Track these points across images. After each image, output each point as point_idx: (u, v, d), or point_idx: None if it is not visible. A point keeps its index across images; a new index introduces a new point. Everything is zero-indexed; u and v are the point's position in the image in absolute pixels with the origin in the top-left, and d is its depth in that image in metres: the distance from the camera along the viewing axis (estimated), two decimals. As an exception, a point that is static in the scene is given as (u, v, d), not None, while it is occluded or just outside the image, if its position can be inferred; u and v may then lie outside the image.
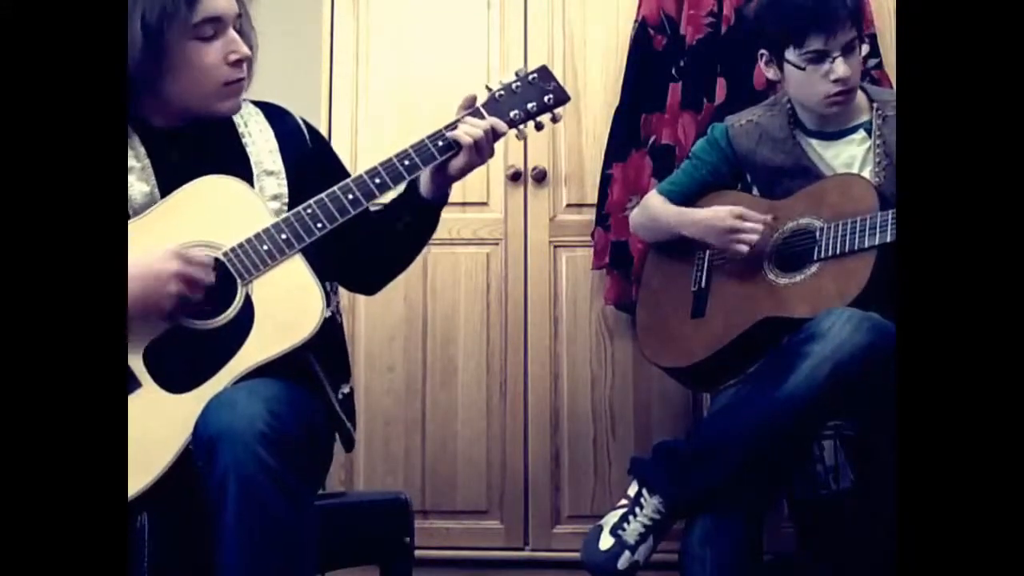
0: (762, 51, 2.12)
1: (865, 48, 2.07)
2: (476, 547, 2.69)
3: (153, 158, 1.62)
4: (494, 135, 1.66)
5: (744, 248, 2.05)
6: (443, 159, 1.66)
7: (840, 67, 2.00)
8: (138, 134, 1.63)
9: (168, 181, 1.60)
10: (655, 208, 2.25)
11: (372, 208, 1.72)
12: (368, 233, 1.74)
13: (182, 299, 1.50)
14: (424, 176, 1.70)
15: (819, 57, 2.01)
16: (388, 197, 1.68)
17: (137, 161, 1.61)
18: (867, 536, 2.04)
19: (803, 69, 2.03)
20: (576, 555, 1.97)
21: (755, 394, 1.85)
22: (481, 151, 1.65)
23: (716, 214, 2.10)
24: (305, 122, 1.79)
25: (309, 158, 1.73)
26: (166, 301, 1.50)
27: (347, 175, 1.67)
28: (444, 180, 1.69)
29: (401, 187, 1.68)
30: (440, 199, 1.72)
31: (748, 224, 2.05)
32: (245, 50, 1.62)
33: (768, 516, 2.19)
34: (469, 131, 1.64)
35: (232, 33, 1.61)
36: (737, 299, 2.06)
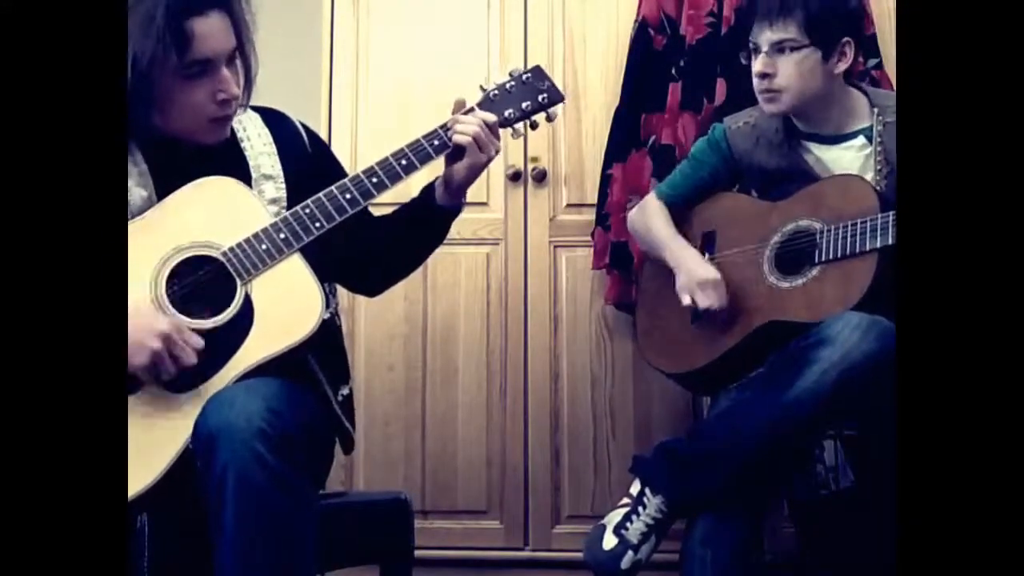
0: None
1: (810, 53, 2.01)
2: (476, 547, 2.69)
3: (151, 164, 1.62)
4: (489, 128, 1.67)
5: (687, 303, 2.05)
6: (439, 157, 1.67)
7: (759, 62, 2.03)
8: (136, 142, 1.63)
9: (166, 186, 1.60)
10: (652, 220, 2.23)
11: (379, 211, 1.72)
12: (377, 236, 1.75)
13: (158, 360, 1.45)
14: (438, 184, 1.72)
15: (754, 50, 2.05)
16: (386, 197, 1.68)
17: (135, 166, 1.61)
18: (867, 536, 2.04)
19: (746, 63, 2.08)
20: (576, 555, 1.97)
21: (761, 397, 1.85)
22: (483, 146, 1.66)
23: (697, 265, 2.08)
24: (304, 126, 1.79)
25: (308, 162, 1.74)
26: (140, 355, 1.44)
27: (346, 176, 1.67)
28: (456, 187, 1.70)
29: (400, 185, 1.68)
30: (454, 208, 1.73)
31: (712, 294, 2.02)
32: (234, 90, 1.60)
33: (768, 516, 2.19)
34: (464, 129, 1.65)
35: (223, 72, 1.58)
36: (737, 303, 2.05)
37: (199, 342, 1.49)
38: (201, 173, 1.60)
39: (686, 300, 2.06)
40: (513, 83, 1.73)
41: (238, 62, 1.61)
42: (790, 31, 2.00)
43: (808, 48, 2.01)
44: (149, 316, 1.47)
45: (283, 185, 1.67)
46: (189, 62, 1.54)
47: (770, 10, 2.01)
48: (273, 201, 1.65)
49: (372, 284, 1.87)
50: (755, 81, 2.06)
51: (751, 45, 2.06)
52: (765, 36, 2.02)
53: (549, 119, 1.75)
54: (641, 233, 2.27)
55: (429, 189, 1.74)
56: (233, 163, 1.66)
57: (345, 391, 1.72)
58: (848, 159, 2.08)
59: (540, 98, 1.73)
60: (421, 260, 1.84)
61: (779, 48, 2.02)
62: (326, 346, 1.64)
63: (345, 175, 1.75)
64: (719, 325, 2.05)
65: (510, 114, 1.71)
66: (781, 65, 2.02)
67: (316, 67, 2.87)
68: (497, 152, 1.69)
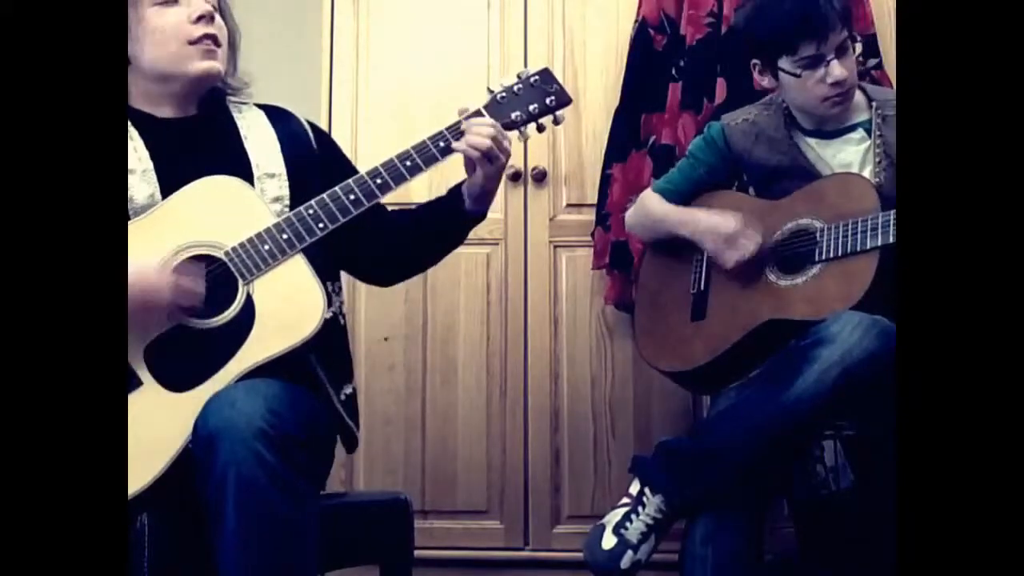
0: (754, 60, 2.11)
1: (859, 47, 2.06)
2: (476, 547, 2.69)
3: (154, 158, 1.63)
4: (494, 140, 1.66)
5: (734, 259, 2.03)
6: (445, 159, 1.67)
7: (836, 69, 1.99)
8: (139, 130, 1.64)
9: (169, 182, 1.61)
10: (652, 206, 2.23)
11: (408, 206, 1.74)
12: (399, 230, 1.75)
13: (179, 301, 1.51)
14: (465, 188, 1.73)
15: (813, 62, 2.00)
16: (390, 197, 1.68)
17: (139, 163, 1.62)
18: (867, 536, 2.04)
19: (798, 76, 2.02)
20: (576, 555, 1.97)
21: (761, 396, 1.85)
22: (492, 158, 1.66)
23: (720, 220, 2.08)
24: (312, 125, 1.80)
25: (313, 161, 1.74)
26: (163, 307, 1.51)
27: (355, 173, 1.68)
28: (477, 196, 1.71)
29: (403, 187, 1.68)
30: (479, 215, 1.75)
31: (747, 234, 2.03)
32: (206, 7, 1.65)
33: (768, 516, 2.19)
34: (472, 142, 1.64)
35: None
36: (738, 301, 2.05)
37: (199, 271, 1.52)
38: (204, 169, 1.61)
39: (729, 263, 2.04)
40: (521, 85, 1.72)
41: (217, 16, 1.68)
42: (844, 32, 2.00)
43: (852, 41, 2.03)
44: (149, 270, 1.50)
45: (286, 183, 1.67)
46: None
47: (820, 18, 1.97)
48: (276, 199, 1.65)
49: (387, 276, 1.89)
50: (825, 89, 2.00)
51: (804, 60, 1.99)
52: (831, 43, 1.98)
53: (556, 122, 1.74)
54: (643, 222, 2.26)
55: (457, 192, 1.75)
56: (236, 161, 1.66)
57: (348, 390, 1.72)
58: (847, 153, 2.08)
59: (548, 101, 1.72)
60: (439, 259, 1.85)
61: (843, 51, 2.01)
62: (329, 345, 1.64)
63: (355, 171, 1.76)
64: (721, 310, 2.06)
65: (517, 117, 1.70)
66: (847, 66, 2.01)
67: (316, 66, 2.87)
68: (508, 156, 1.68)
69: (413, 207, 1.82)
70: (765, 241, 2.05)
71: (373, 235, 1.74)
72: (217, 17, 1.69)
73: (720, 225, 2.07)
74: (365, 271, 1.86)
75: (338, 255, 1.70)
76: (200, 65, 1.66)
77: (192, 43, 1.65)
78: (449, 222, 1.76)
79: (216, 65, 1.68)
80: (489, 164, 1.66)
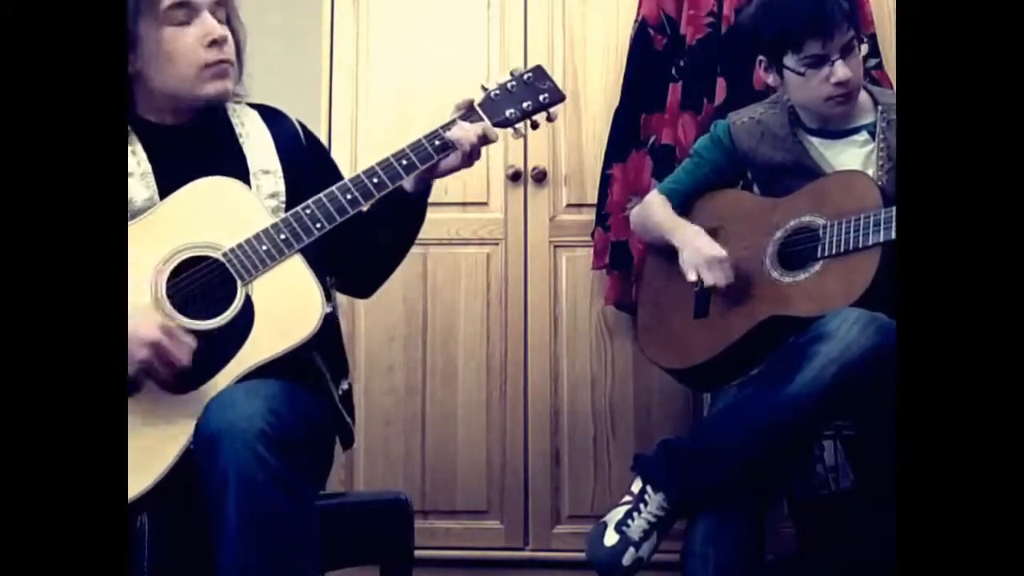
0: (760, 57, 2.11)
1: (864, 48, 2.07)
2: (476, 547, 2.69)
3: (153, 161, 1.63)
4: (485, 140, 1.67)
5: (693, 279, 2.04)
6: (440, 157, 1.66)
7: (840, 70, 1.99)
8: (139, 136, 1.64)
9: (168, 184, 1.61)
10: (654, 210, 2.24)
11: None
12: (357, 234, 1.75)
13: (148, 368, 1.46)
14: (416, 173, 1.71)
15: (818, 61, 2.00)
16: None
17: (138, 165, 1.62)
18: (867, 536, 2.04)
19: (803, 75, 2.02)
20: (576, 555, 1.98)
21: (760, 394, 1.85)
22: (472, 156, 1.67)
23: (704, 244, 2.08)
24: (301, 124, 1.80)
25: (305, 158, 1.75)
26: (129, 366, 1.44)
27: (341, 177, 1.68)
28: (430, 176, 1.70)
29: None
30: (424, 191, 1.73)
31: (719, 271, 2.03)
32: (220, 31, 1.64)
33: (769, 516, 2.20)
34: (465, 136, 1.65)
35: (207, 17, 1.63)
36: (740, 298, 2.05)
37: (191, 343, 1.49)
38: (201, 168, 1.61)
39: (692, 276, 2.05)
40: (514, 83, 1.73)
41: (226, 25, 1.66)
42: (850, 32, 2.01)
43: (859, 42, 2.03)
44: (139, 324, 1.45)
45: (281, 180, 1.68)
46: (168, 6, 1.60)
47: (827, 17, 1.98)
48: (272, 195, 1.66)
49: (364, 282, 1.86)
50: (829, 89, 2.01)
51: (809, 59, 2.00)
52: (836, 43, 1.98)
53: (550, 119, 1.75)
54: (645, 224, 2.27)
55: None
56: (232, 158, 1.67)
57: (345, 385, 1.73)
58: (851, 154, 2.09)
59: (541, 98, 1.73)
60: (406, 249, 1.81)
61: (849, 50, 2.01)
62: (327, 341, 1.64)
63: (340, 173, 1.76)
64: (723, 307, 2.05)
65: (511, 114, 1.71)
66: (852, 66, 2.01)
67: (316, 66, 2.87)
68: (478, 158, 1.69)
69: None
70: (768, 239, 2.05)
71: (348, 240, 1.72)
72: (229, 37, 1.67)
73: (707, 248, 2.07)
74: (345, 280, 1.83)
75: (325, 262, 1.68)
76: (212, 88, 1.65)
77: (205, 67, 1.63)
78: (396, 211, 1.73)
79: (227, 86, 1.67)
80: (467, 160, 1.67)
